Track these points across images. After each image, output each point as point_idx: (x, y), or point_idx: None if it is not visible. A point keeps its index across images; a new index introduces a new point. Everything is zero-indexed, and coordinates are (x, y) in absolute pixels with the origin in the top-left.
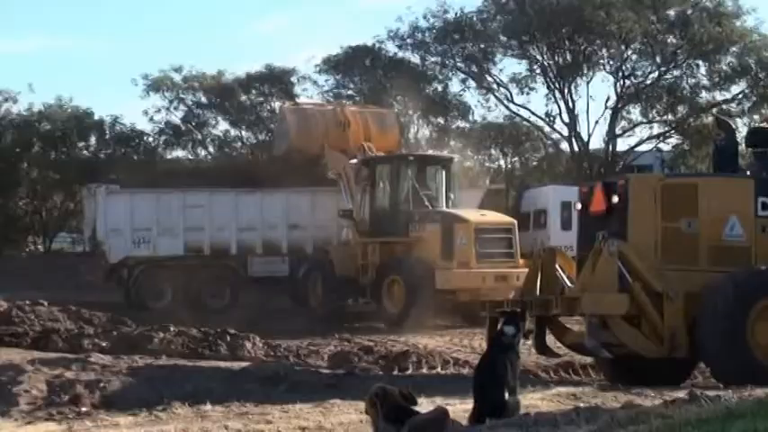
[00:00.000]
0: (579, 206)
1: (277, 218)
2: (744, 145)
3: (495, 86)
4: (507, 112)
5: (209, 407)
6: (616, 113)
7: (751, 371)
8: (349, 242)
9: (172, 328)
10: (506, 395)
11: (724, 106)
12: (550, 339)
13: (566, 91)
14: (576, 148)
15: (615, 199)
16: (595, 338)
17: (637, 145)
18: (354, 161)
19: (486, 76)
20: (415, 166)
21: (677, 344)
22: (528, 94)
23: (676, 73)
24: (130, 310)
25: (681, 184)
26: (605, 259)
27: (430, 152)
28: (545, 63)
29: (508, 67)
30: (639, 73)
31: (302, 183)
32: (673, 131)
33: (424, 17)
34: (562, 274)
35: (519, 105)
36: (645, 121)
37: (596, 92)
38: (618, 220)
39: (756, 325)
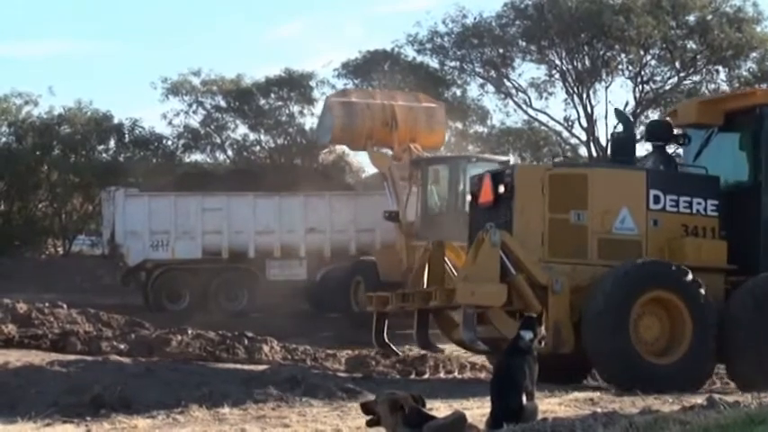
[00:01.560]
0: (469, 197)
1: (295, 221)
2: (643, 138)
3: (513, 91)
4: (526, 117)
5: (226, 410)
6: (635, 119)
7: (635, 368)
8: (394, 246)
9: (189, 331)
10: (524, 400)
11: (676, 106)
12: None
13: (584, 96)
14: (594, 153)
15: (502, 189)
16: (471, 331)
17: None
18: (397, 162)
19: (505, 80)
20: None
21: (562, 339)
22: (546, 98)
23: (696, 78)
24: (148, 312)
25: (569, 175)
26: (487, 250)
27: (487, 155)
28: (564, 68)
29: (527, 71)
30: (658, 78)
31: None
32: None
33: (443, 22)
34: (451, 266)
35: (537, 110)
36: None
37: (615, 97)
38: (505, 210)
39: (641, 320)
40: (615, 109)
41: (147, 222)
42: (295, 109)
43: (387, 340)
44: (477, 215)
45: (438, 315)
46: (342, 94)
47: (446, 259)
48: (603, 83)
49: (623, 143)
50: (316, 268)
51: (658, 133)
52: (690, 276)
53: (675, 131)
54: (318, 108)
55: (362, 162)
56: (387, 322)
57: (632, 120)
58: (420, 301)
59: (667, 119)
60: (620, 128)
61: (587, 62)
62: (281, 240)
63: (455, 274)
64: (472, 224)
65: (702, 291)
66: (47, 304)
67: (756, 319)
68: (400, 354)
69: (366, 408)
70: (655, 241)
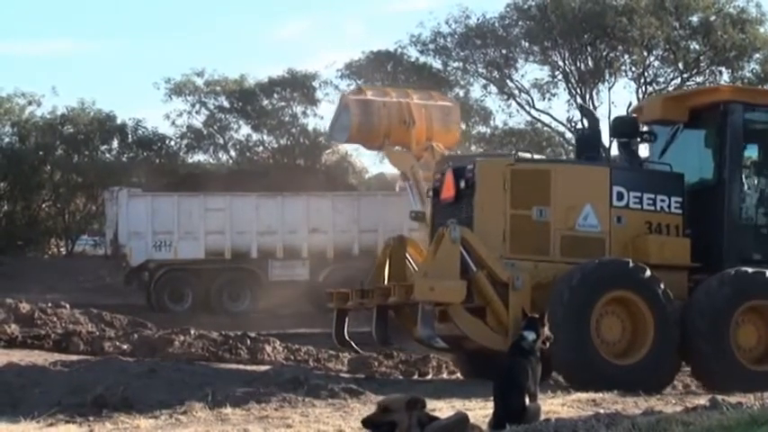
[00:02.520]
0: (431, 193)
1: (298, 222)
2: (608, 134)
3: (516, 92)
4: (529, 118)
5: (229, 410)
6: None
7: (596, 369)
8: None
9: (192, 332)
10: (527, 401)
11: (640, 102)
12: None
13: (587, 97)
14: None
15: (463, 184)
16: (429, 328)
17: None
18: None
19: (508, 81)
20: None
21: None
22: (549, 99)
23: (699, 79)
24: (151, 312)
25: (532, 170)
26: (447, 246)
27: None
28: (567, 69)
29: (530, 72)
30: (662, 79)
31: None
32: None
33: (446, 22)
34: (412, 262)
35: (540, 111)
36: None
37: (618, 98)
38: (466, 206)
39: (603, 320)
40: (579, 105)
41: (150, 222)
42: (298, 109)
43: (347, 337)
44: (438, 211)
45: (399, 312)
46: (358, 91)
47: (407, 256)
48: (606, 84)
49: (588, 139)
50: (318, 269)
51: (623, 129)
52: (648, 274)
53: (641, 128)
54: (322, 109)
55: (365, 163)
56: (347, 319)
57: (597, 116)
58: (379, 297)
59: (633, 115)
60: (585, 124)
61: (590, 63)
62: (283, 241)
63: (415, 269)
64: (434, 220)
65: (662, 289)
66: (50, 304)
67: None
68: (360, 351)
69: (372, 421)
70: (618, 239)
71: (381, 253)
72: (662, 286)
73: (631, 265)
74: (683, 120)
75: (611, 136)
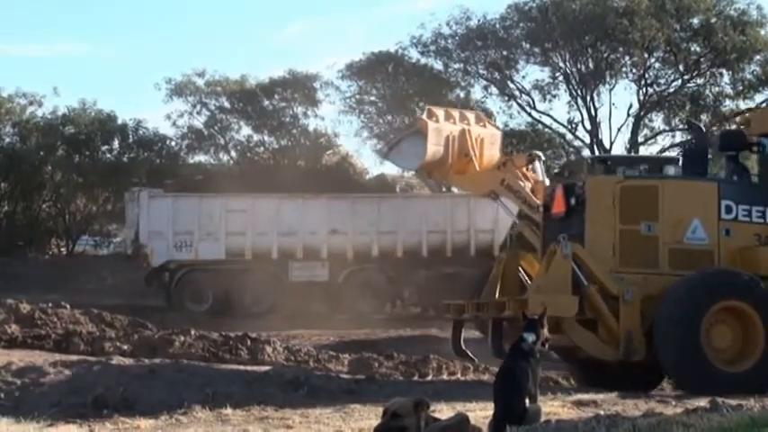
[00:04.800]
0: (542, 208)
1: (318, 223)
2: (717, 149)
3: (517, 93)
4: (529, 119)
5: (229, 411)
6: (638, 121)
7: (708, 377)
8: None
9: (192, 332)
10: (527, 402)
11: (747, 115)
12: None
13: (588, 98)
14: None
15: (573, 201)
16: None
17: (659, 153)
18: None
19: (509, 82)
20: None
21: (633, 348)
22: (550, 101)
23: (699, 81)
24: (170, 313)
25: (640, 187)
26: (559, 261)
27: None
28: (568, 70)
29: (531, 74)
30: (662, 81)
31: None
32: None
33: (447, 24)
34: (525, 276)
35: (541, 112)
36: (667, 129)
37: (619, 99)
38: (577, 222)
39: (713, 329)
40: (687, 120)
41: (171, 223)
42: (299, 110)
43: (463, 347)
44: (549, 226)
45: (513, 324)
46: (429, 113)
47: (520, 269)
48: (607, 85)
49: (695, 154)
50: (338, 270)
51: (731, 142)
52: (760, 285)
53: (750, 140)
54: (322, 109)
55: (366, 164)
56: (463, 330)
57: (705, 131)
58: (494, 310)
59: (741, 127)
60: (692, 139)
61: (591, 64)
62: (303, 242)
63: (528, 283)
64: (545, 235)
65: None
66: (50, 304)
67: None
68: (476, 360)
69: (384, 428)
70: (727, 251)
71: (496, 266)
72: None
73: (744, 275)
74: None
75: (719, 149)
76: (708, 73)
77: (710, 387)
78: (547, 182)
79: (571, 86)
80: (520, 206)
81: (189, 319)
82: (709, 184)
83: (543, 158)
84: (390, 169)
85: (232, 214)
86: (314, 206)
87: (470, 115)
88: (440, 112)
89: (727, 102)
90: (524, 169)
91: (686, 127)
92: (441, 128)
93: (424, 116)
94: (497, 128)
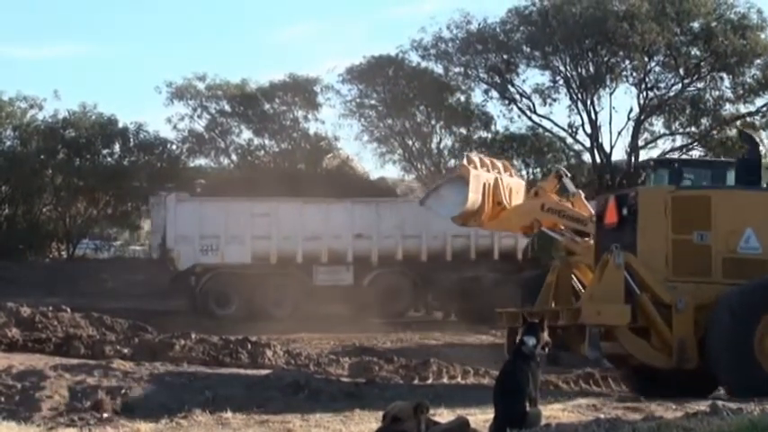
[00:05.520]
0: (595, 218)
1: (342, 227)
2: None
3: (517, 97)
4: (530, 123)
5: (229, 414)
6: (639, 125)
7: (761, 385)
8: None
9: (193, 336)
10: (527, 406)
11: (748, 119)
12: None
13: (588, 102)
14: (598, 160)
15: (626, 211)
16: (596, 350)
17: (659, 156)
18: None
19: (509, 86)
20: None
21: (686, 356)
22: (551, 105)
23: (700, 85)
24: (195, 316)
25: (693, 197)
26: (611, 270)
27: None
28: (568, 74)
29: (531, 77)
30: (663, 85)
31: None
32: (695, 143)
33: (448, 27)
34: (579, 285)
35: (541, 116)
36: (668, 132)
37: (619, 103)
38: (629, 232)
39: (765, 338)
40: (742, 131)
41: (197, 227)
42: (299, 114)
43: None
44: (602, 236)
45: (566, 331)
46: (468, 160)
47: (573, 277)
48: (608, 89)
49: (749, 164)
50: (362, 274)
51: None
52: None
53: None
54: (323, 113)
55: (367, 167)
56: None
57: (758, 142)
58: (548, 318)
59: None
60: (746, 149)
61: (591, 68)
62: (328, 246)
63: (582, 292)
64: (598, 244)
65: None
66: (51, 308)
67: None
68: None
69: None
70: None
71: (549, 274)
72: None
73: None
74: None
75: None
76: (708, 77)
77: (764, 394)
78: (581, 193)
79: (571, 90)
80: (567, 225)
81: (216, 324)
82: (763, 194)
83: (569, 174)
84: (390, 173)
85: (258, 218)
86: (338, 210)
87: (499, 164)
88: (476, 158)
89: (728, 106)
90: (556, 187)
91: (740, 138)
92: (479, 175)
93: (464, 162)
94: (521, 177)
